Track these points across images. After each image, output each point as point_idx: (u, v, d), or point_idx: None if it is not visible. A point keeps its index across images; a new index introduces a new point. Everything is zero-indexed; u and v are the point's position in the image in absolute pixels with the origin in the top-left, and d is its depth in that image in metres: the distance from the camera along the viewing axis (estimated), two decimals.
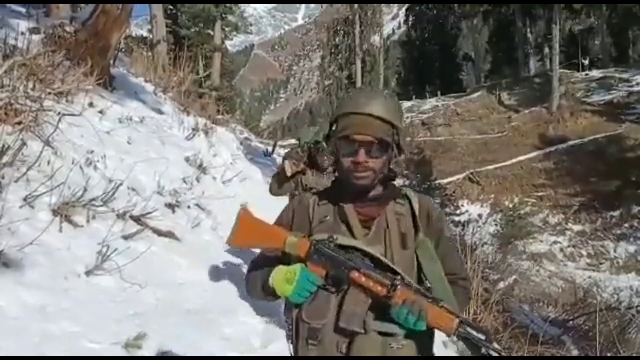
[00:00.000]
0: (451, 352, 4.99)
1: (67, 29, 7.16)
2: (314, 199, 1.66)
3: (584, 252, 20.17)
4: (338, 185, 1.65)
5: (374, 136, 1.49)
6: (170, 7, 20.46)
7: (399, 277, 1.40)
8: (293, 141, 22.85)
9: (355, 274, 1.42)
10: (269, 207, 4.98)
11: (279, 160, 11.80)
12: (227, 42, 26.60)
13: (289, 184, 4.22)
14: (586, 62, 36.64)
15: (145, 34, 19.97)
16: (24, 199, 3.60)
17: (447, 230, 1.69)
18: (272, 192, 4.36)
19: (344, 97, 1.61)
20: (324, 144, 4.07)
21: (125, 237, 4.17)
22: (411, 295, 1.38)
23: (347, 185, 1.56)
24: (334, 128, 1.59)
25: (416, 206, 1.60)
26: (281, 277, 1.45)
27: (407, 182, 23.24)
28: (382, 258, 1.46)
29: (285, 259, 1.52)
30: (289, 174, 4.15)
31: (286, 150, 7.20)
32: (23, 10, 8.21)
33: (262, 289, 1.54)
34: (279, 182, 4.27)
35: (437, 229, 1.63)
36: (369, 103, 1.51)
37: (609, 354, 5.48)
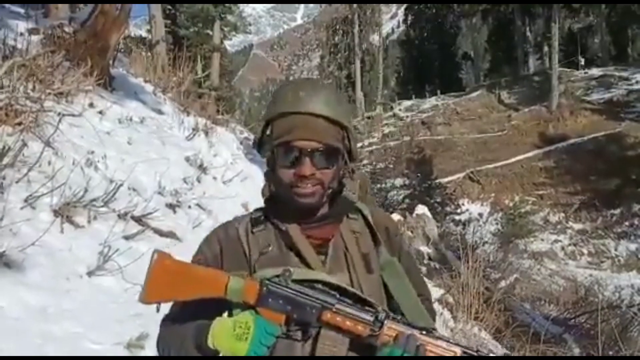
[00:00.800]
0: None
1: (66, 29, 7.16)
2: (245, 225, 1.29)
3: (585, 251, 20.17)
4: (275, 203, 1.29)
5: (321, 142, 1.18)
6: (169, 7, 20.45)
7: (380, 309, 1.14)
8: None
9: (328, 315, 1.12)
10: None
11: None
12: (226, 42, 26.58)
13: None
14: (582, 61, 36.57)
15: (144, 34, 19.96)
16: (25, 200, 3.60)
17: (406, 244, 1.46)
18: (264, 196, 4.24)
19: (278, 92, 1.28)
20: None
21: (127, 238, 4.17)
22: (401, 329, 1.12)
23: (288, 204, 1.23)
24: (267, 132, 1.25)
25: (371, 219, 1.33)
26: (228, 334, 1.08)
27: (407, 182, 23.24)
28: (352, 289, 1.18)
29: (217, 305, 1.16)
30: None
31: None
32: (22, 11, 8.20)
33: (198, 350, 1.13)
34: None
35: (397, 245, 1.38)
36: (311, 99, 1.20)
37: (610, 353, 5.48)
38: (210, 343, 1.09)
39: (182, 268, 1.17)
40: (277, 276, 1.15)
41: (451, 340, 1.16)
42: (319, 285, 1.16)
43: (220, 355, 1.10)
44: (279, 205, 1.28)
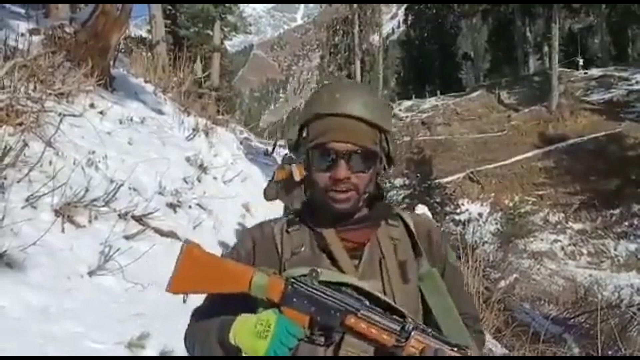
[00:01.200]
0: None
1: (67, 30, 7.17)
2: (281, 225, 1.27)
3: (584, 251, 20.18)
4: (311, 206, 1.28)
5: (358, 144, 1.15)
6: (169, 7, 20.46)
7: (409, 320, 1.08)
8: None
9: (351, 320, 1.06)
10: (271, 207, 5.00)
11: (279, 159, 11.80)
12: (227, 43, 26.60)
13: (299, 190, 3.80)
14: (581, 62, 36.56)
15: (144, 34, 19.98)
16: (26, 200, 3.61)
17: (452, 256, 1.35)
18: (267, 197, 4.03)
19: (315, 94, 1.25)
20: None
21: (127, 238, 4.18)
22: (429, 342, 1.05)
23: (323, 207, 1.20)
24: (304, 134, 1.23)
25: (413, 227, 1.27)
26: (249, 331, 1.05)
27: (407, 182, 23.26)
28: (382, 296, 1.13)
29: (246, 303, 1.13)
30: (297, 178, 3.77)
31: (286, 151, 7.12)
32: (22, 11, 8.22)
33: (220, 346, 1.12)
34: (287, 189, 3.91)
35: (441, 256, 1.31)
36: (349, 100, 1.17)
37: (610, 352, 5.49)
38: (232, 339, 1.07)
39: (210, 260, 1.15)
40: (304, 275, 1.11)
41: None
42: (347, 289, 1.11)
43: (243, 354, 1.07)
44: (315, 208, 1.25)
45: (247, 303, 1.13)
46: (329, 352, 1.12)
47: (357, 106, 1.16)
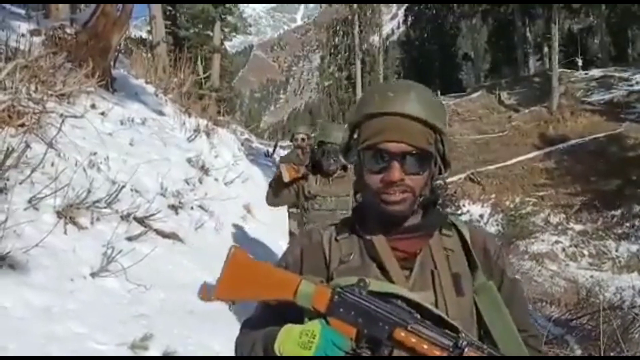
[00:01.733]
0: None
1: (68, 30, 7.17)
2: (330, 232, 1.23)
3: (585, 252, 20.16)
4: (361, 212, 1.23)
5: (412, 144, 1.09)
6: (170, 8, 20.49)
7: (462, 335, 1.02)
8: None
9: (401, 333, 1.01)
10: (272, 209, 4.98)
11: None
12: (227, 43, 26.62)
13: (288, 192, 3.63)
14: (579, 62, 36.58)
15: (144, 35, 19.98)
16: (29, 201, 3.61)
17: (511, 270, 1.28)
18: (268, 202, 3.82)
19: (365, 94, 1.21)
20: (335, 145, 3.41)
21: (130, 239, 4.18)
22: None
23: (375, 212, 1.15)
24: (355, 136, 1.18)
25: (468, 238, 1.20)
26: (294, 341, 1.02)
27: None
28: (434, 309, 1.07)
29: (295, 313, 1.10)
30: (286, 179, 3.57)
31: (285, 152, 7.06)
32: (22, 12, 8.22)
33: (265, 356, 1.10)
34: (276, 191, 3.69)
35: (499, 269, 1.23)
36: (403, 99, 1.11)
37: (612, 354, 5.48)
38: (277, 349, 1.03)
39: (257, 267, 1.12)
40: (352, 285, 1.06)
41: None
42: (397, 301, 1.06)
43: None
44: (365, 214, 1.20)
45: (297, 314, 1.09)
46: None
47: (411, 105, 1.11)
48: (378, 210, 1.13)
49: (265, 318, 1.17)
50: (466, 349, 0.99)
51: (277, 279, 1.11)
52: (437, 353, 0.99)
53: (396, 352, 1.02)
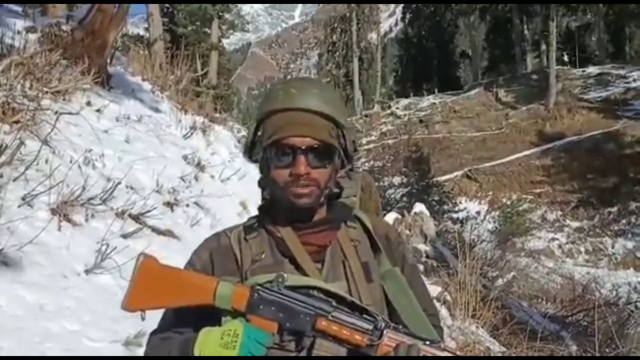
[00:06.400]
0: None
1: (64, 27, 7.14)
2: (237, 233, 1.23)
3: (582, 249, 20.23)
4: (269, 209, 1.23)
5: (316, 138, 1.12)
6: (167, 5, 20.43)
7: (380, 318, 1.06)
8: None
9: (323, 322, 1.04)
10: None
11: None
12: (224, 41, 26.58)
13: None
14: (567, 59, 36.58)
15: (141, 32, 19.94)
16: (23, 198, 3.60)
17: (410, 255, 1.37)
18: None
19: (269, 91, 1.22)
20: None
21: (124, 236, 4.17)
22: (402, 339, 1.04)
23: (283, 207, 1.17)
24: (259, 132, 1.19)
25: (371, 227, 1.26)
26: (215, 343, 1.01)
27: (405, 180, 23.26)
28: (350, 297, 1.11)
29: (206, 317, 1.08)
30: None
31: None
32: (19, 9, 8.19)
33: None
34: None
35: (400, 254, 1.30)
36: (303, 95, 1.14)
37: (607, 350, 5.50)
38: (197, 352, 1.02)
39: (168, 273, 1.09)
40: (270, 282, 1.08)
41: (459, 353, 1.07)
42: (315, 292, 1.10)
43: None
44: (274, 211, 1.21)
45: (206, 317, 1.08)
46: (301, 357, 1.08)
47: (313, 100, 1.14)
48: (287, 204, 1.15)
49: (175, 324, 1.16)
50: (385, 331, 1.04)
51: (192, 284, 1.08)
52: (358, 337, 1.04)
53: (318, 341, 1.04)
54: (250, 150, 1.24)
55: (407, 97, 40.69)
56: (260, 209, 1.28)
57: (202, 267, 1.20)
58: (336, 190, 1.24)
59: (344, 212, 1.26)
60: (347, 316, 1.06)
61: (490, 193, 25.03)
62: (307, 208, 1.16)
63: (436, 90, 40.23)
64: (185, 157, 7.21)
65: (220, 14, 20.89)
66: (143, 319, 1.10)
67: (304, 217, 1.18)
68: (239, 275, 1.16)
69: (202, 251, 1.24)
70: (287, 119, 1.13)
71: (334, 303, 1.07)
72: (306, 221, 1.19)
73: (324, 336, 1.05)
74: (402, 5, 52.08)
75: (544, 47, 37.32)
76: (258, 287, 1.07)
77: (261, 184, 1.26)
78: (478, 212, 23.52)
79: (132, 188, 5.06)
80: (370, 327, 1.05)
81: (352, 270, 1.17)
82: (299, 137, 1.11)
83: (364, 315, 1.07)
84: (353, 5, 36.85)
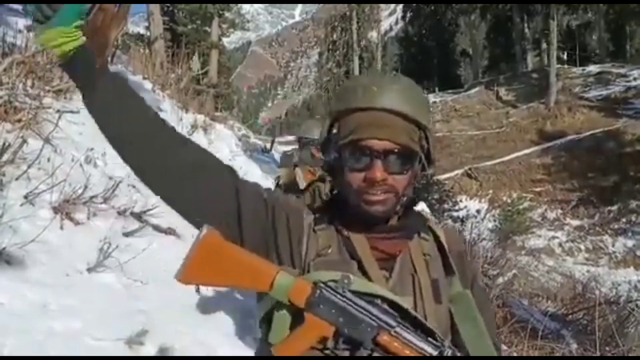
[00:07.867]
0: None
1: None
2: (310, 221, 1.13)
3: (582, 247, 20.23)
4: (338, 206, 1.14)
5: (396, 142, 1.03)
6: (167, 4, 20.43)
7: (446, 344, 0.99)
8: (291, 138, 22.79)
9: (385, 337, 0.96)
10: None
11: (277, 156, 11.85)
12: (225, 39, 26.58)
13: (303, 198, 3.29)
14: (567, 57, 36.53)
15: (142, 31, 19.94)
16: (25, 197, 3.61)
17: (480, 276, 1.23)
18: None
19: (346, 86, 1.13)
20: (315, 140, 3.16)
21: (127, 234, 4.18)
22: None
23: (355, 210, 1.08)
24: (334, 130, 1.10)
25: (445, 242, 1.16)
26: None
27: None
28: (419, 316, 1.02)
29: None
30: (302, 186, 3.30)
31: (285, 149, 6.95)
32: (20, 7, 8.19)
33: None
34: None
35: (472, 274, 1.21)
36: (386, 94, 1.04)
37: (607, 348, 5.50)
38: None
39: (229, 251, 1.01)
40: (335, 281, 0.99)
41: None
42: (379, 302, 1.00)
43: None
44: (343, 207, 1.12)
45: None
46: None
47: (395, 100, 1.04)
48: (359, 209, 1.07)
49: None
50: (450, 356, 0.97)
51: (251, 267, 1.01)
52: None
53: (376, 356, 0.99)
54: (324, 148, 1.15)
55: None
56: (329, 201, 1.19)
57: (292, 211, 1.13)
58: (413, 196, 1.15)
59: (418, 222, 1.17)
60: (411, 335, 0.98)
61: (491, 191, 25.03)
62: (378, 216, 1.08)
63: (436, 88, 40.22)
64: None
65: (221, 12, 20.90)
66: (197, 291, 1.09)
67: (375, 222, 1.10)
68: (300, 261, 1.08)
69: (301, 205, 1.18)
70: (365, 119, 1.04)
71: (398, 318, 0.99)
72: (379, 225, 1.11)
73: (383, 352, 0.98)
74: (402, 4, 52.02)
75: (544, 45, 37.28)
76: (321, 285, 0.99)
77: (333, 185, 1.20)
78: (478, 211, 23.51)
79: (134, 186, 5.06)
80: (435, 353, 0.97)
81: (421, 287, 1.08)
82: (377, 139, 1.03)
83: (429, 339, 0.99)
84: (353, 4, 36.82)
